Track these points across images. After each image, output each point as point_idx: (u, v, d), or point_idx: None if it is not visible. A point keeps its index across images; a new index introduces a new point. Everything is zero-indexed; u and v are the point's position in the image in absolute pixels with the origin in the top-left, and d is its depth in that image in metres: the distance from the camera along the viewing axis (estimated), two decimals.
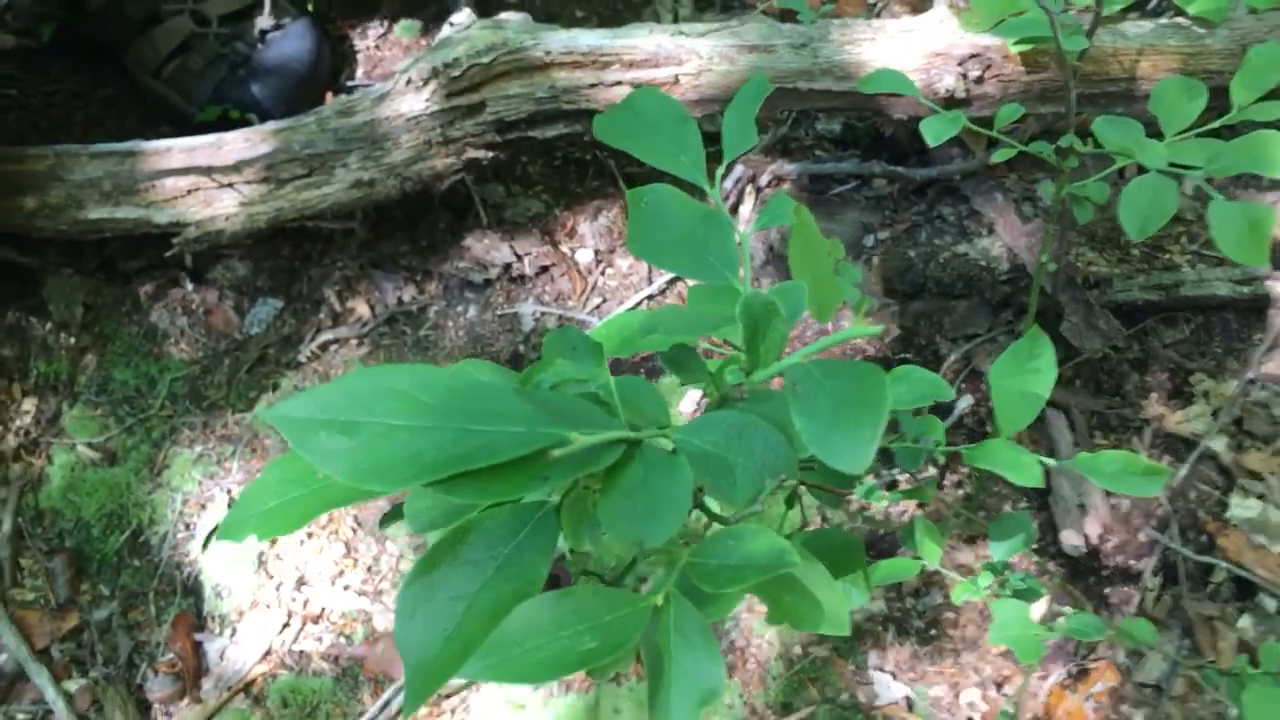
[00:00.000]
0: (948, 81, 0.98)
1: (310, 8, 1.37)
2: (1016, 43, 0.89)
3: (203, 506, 1.10)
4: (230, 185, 1.06)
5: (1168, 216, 0.72)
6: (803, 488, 0.60)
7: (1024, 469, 0.59)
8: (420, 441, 0.34)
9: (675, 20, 1.32)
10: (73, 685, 1.04)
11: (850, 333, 0.38)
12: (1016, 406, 0.61)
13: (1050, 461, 0.61)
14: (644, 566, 0.39)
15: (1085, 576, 1.01)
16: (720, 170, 0.48)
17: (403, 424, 0.35)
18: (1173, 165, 0.78)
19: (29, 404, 1.15)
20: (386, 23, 1.37)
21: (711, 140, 1.21)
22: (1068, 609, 0.96)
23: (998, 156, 0.82)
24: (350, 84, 1.33)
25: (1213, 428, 1.03)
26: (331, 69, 1.32)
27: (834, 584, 0.43)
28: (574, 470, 0.35)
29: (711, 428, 0.38)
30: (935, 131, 0.79)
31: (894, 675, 0.99)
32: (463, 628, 0.36)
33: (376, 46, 1.36)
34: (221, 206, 1.07)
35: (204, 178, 1.06)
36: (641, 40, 1.02)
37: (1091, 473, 0.60)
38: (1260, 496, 1.01)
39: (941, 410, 1.07)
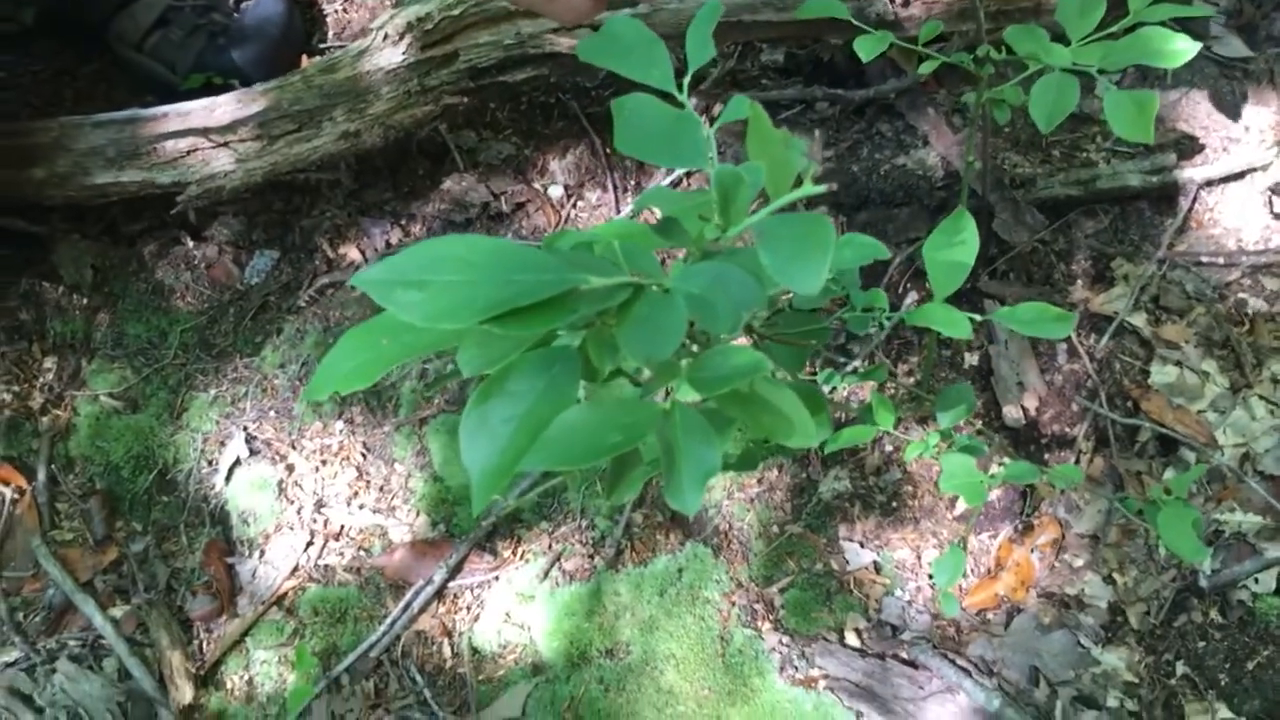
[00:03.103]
0: (878, 7, 1.08)
1: None
2: None
3: (222, 444, 1.20)
4: (226, 144, 1.15)
5: (1070, 108, 0.83)
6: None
7: (956, 323, 0.70)
8: (474, 291, 0.44)
9: None
10: (118, 612, 1.13)
11: (802, 191, 0.48)
12: (946, 274, 0.72)
13: (976, 316, 0.72)
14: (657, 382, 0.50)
15: (1027, 445, 1.13)
16: (687, 79, 0.58)
17: (460, 279, 0.45)
18: (1076, 64, 0.89)
19: (50, 362, 1.24)
20: None
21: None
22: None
23: (924, 68, 0.93)
24: (323, 46, 1.41)
25: (1130, 305, 1.15)
26: (304, 33, 1.40)
27: (801, 406, 0.54)
28: (594, 305, 0.45)
29: (697, 275, 0.48)
30: (867, 48, 0.90)
31: (861, 544, 1.11)
32: (514, 441, 0.46)
33: (344, 9, 1.44)
34: (219, 164, 1.16)
35: (201, 139, 1.15)
36: None
37: (1011, 321, 0.71)
38: (1177, 363, 1.13)
39: (893, 305, 1.18)
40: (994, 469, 1.09)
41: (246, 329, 1.26)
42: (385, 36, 1.12)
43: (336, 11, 1.44)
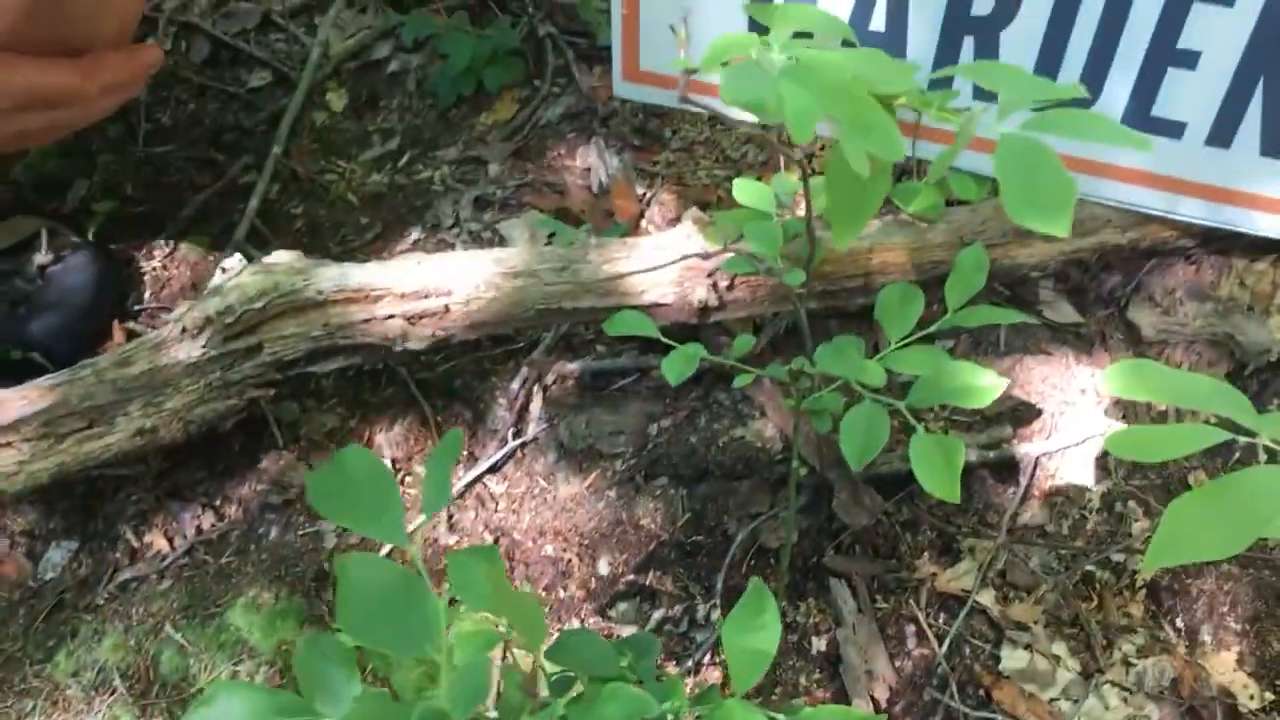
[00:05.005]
0: (700, 293, 1.05)
1: (91, 235, 1.38)
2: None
3: None
4: (9, 444, 1.06)
5: (883, 444, 0.79)
6: None
7: None
8: None
9: (457, 222, 1.37)
10: None
11: None
12: (748, 663, 0.66)
13: (780, 717, 0.66)
14: None
15: None
16: (420, 523, 0.52)
17: None
18: (892, 371, 0.86)
19: None
20: (173, 241, 1.39)
21: (501, 341, 1.23)
22: None
23: (739, 383, 0.88)
24: (137, 308, 1.34)
25: (978, 583, 1.11)
26: (118, 295, 1.33)
27: None
28: None
29: None
30: (675, 370, 0.85)
31: None
32: None
33: (163, 266, 1.38)
34: (1, 467, 1.06)
35: None
36: (411, 272, 1.07)
37: None
38: (1027, 646, 1.09)
39: (737, 588, 1.12)
40: None
41: (38, 632, 1.14)
42: (184, 329, 1.05)
43: (154, 269, 1.37)
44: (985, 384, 0.78)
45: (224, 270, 1.07)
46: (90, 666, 1.12)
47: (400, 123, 1.51)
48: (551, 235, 1.31)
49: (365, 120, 1.52)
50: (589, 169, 1.43)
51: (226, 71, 1.56)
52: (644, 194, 1.38)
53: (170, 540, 1.18)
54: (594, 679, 0.61)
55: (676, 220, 1.34)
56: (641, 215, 1.38)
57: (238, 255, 1.07)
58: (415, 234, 1.38)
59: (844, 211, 0.69)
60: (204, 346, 1.05)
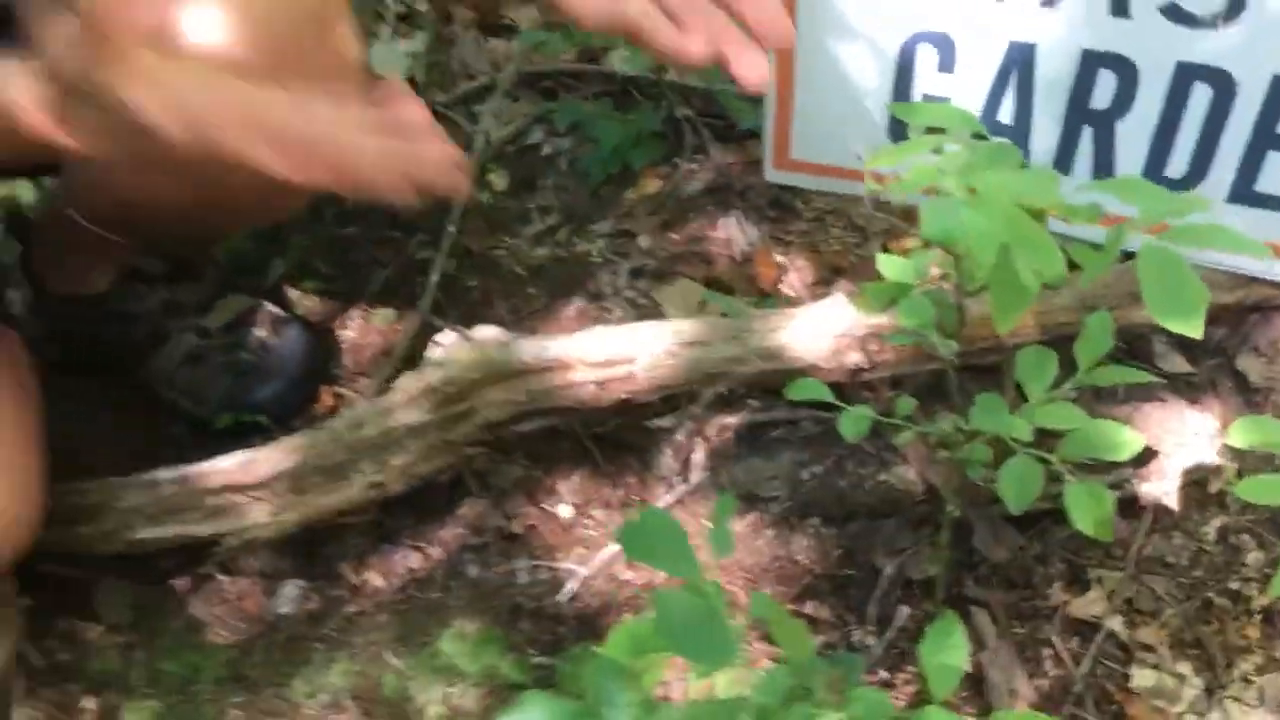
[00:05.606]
0: (854, 358, 1.20)
1: (296, 310, 1.57)
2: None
3: None
4: (262, 499, 1.24)
5: (1038, 491, 0.94)
6: None
7: None
8: None
9: (616, 291, 1.54)
10: None
11: None
12: (943, 676, 0.81)
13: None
14: None
15: None
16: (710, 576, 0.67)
17: None
18: (1039, 428, 1.01)
19: (88, 702, 1.30)
20: (364, 313, 1.57)
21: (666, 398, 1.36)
22: None
23: (899, 441, 1.03)
24: (337, 373, 1.52)
25: (1108, 610, 1.24)
26: (323, 363, 1.51)
27: None
28: None
29: None
30: (851, 429, 1.00)
31: None
32: None
33: (358, 336, 1.56)
34: (254, 517, 1.24)
35: (238, 494, 1.24)
36: (600, 342, 1.23)
37: None
38: (1155, 666, 1.21)
39: (884, 616, 1.26)
40: None
41: (277, 660, 1.32)
42: (408, 397, 1.22)
43: (350, 339, 1.56)
44: (1126, 439, 0.92)
45: (439, 344, 1.24)
46: (324, 689, 1.29)
47: (556, 201, 1.69)
48: (703, 303, 1.47)
49: (524, 199, 1.70)
50: (729, 239, 1.59)
51: None
52: (781, 261, 1.54)
53: (385, 578, 1.36)
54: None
55: (814, 284, 1.50)
56: (779, 280, 1.54)
57: (451, 331, 1.25)
58: (579, 302, 1.55)
59: (1005, 304, 0.85)
60: (425, 412, 1.22)
